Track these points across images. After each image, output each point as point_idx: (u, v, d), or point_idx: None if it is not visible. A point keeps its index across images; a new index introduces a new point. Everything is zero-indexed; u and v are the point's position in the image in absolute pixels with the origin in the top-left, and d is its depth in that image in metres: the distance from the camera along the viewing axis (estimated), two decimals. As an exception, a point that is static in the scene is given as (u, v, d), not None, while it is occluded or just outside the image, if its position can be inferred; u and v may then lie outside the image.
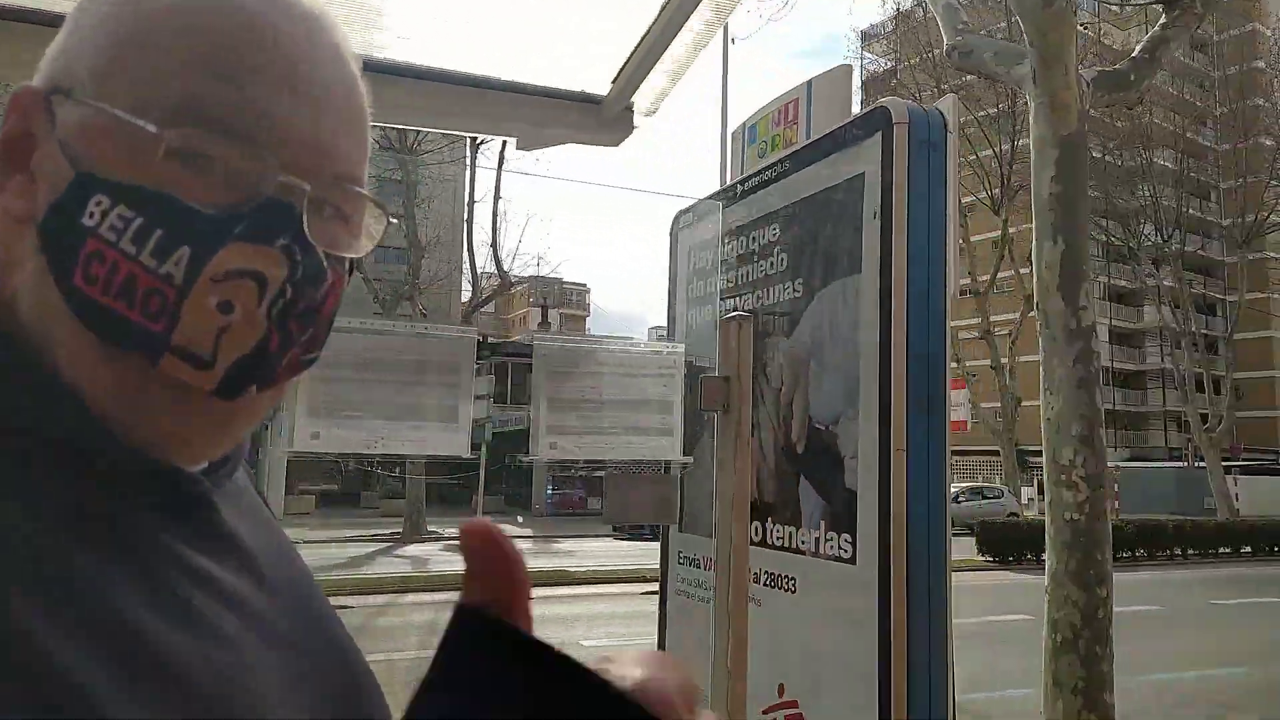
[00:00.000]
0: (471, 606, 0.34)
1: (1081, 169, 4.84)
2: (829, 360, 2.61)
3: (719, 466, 1.95)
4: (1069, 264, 4.68)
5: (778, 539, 2.70)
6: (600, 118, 1.87)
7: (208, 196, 0.52)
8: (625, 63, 1.70)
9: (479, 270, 24.47)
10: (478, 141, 25.26)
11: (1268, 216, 36.05)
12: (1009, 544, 16.70)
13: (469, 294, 26.24)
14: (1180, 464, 45.35)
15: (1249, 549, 19.22)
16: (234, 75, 0.52)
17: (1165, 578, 15.69)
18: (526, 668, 0.32)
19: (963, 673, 7.35)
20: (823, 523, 2.52)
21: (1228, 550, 18.91)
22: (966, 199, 33.33)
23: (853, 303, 2.49)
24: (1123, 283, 56.90)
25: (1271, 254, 42.03)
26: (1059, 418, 4.52)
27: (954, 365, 28.84)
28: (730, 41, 19.98)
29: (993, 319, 29.22)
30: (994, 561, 16.55)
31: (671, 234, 3.54)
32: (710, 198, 3.35)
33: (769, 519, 2.75)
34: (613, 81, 1.78)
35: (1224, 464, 40.90)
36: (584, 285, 71.99)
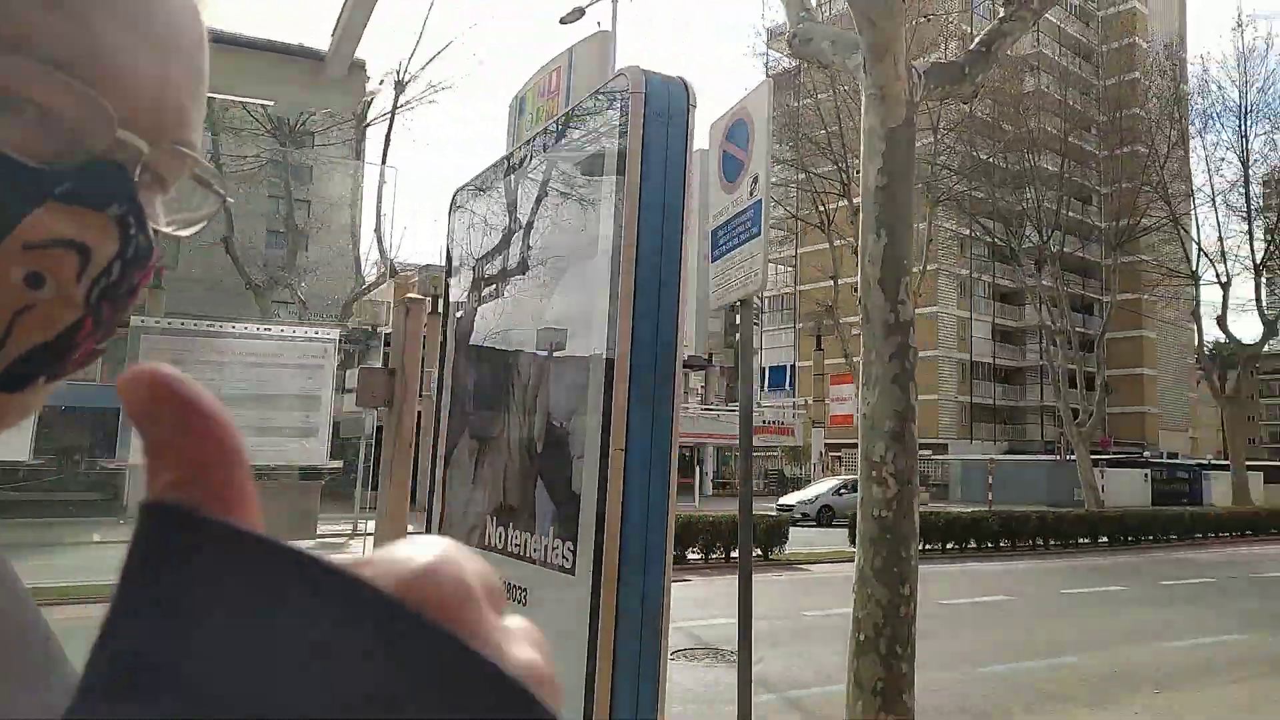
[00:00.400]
0: (159, 501, 0.22)
1: (908, 162, 4.79)
2: (568, 351, 2.42)
3: (381, 472, 1.71)
4: (891, 258, 4.63)
5: (516, 546, 2.49)
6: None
7: (23, 145, 0.41)
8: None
9: (363, 257, 23.70)
10: (363, 123, 24.47)
11: (1139, 221, 38.02)
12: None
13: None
14: (1053, 457, 47.57)
15: (1105, 539, 20.17)
16: (71, 3, 0.42)
17: (1025, 568, 16.29)
18: (242, 574, 0.21)
19: (807, 667, 7.32)
20: (551, 529, 2.32)
21: (1087, 540, 19.80)
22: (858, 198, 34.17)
23: (590, 290, 2.30)
24: (1007, 282, 59.25)
25: (1144, 257, 44.25)
26: (873, 413, 4.46)
27: (842, 360, 29.17)
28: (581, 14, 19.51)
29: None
30: (866, 551, 16.88)
31: (450, 211, 3.30)
32: (482, 175, 3.12)
33: (510, 525, 2.54)
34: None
35: (1093, 457, 43.08)
36: (486, 270, 70.83)
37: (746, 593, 4.00)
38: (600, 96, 2.33)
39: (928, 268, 39.81)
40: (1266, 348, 60.14)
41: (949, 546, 18.07)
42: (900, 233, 4.67)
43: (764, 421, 49.24)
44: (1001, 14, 5.57)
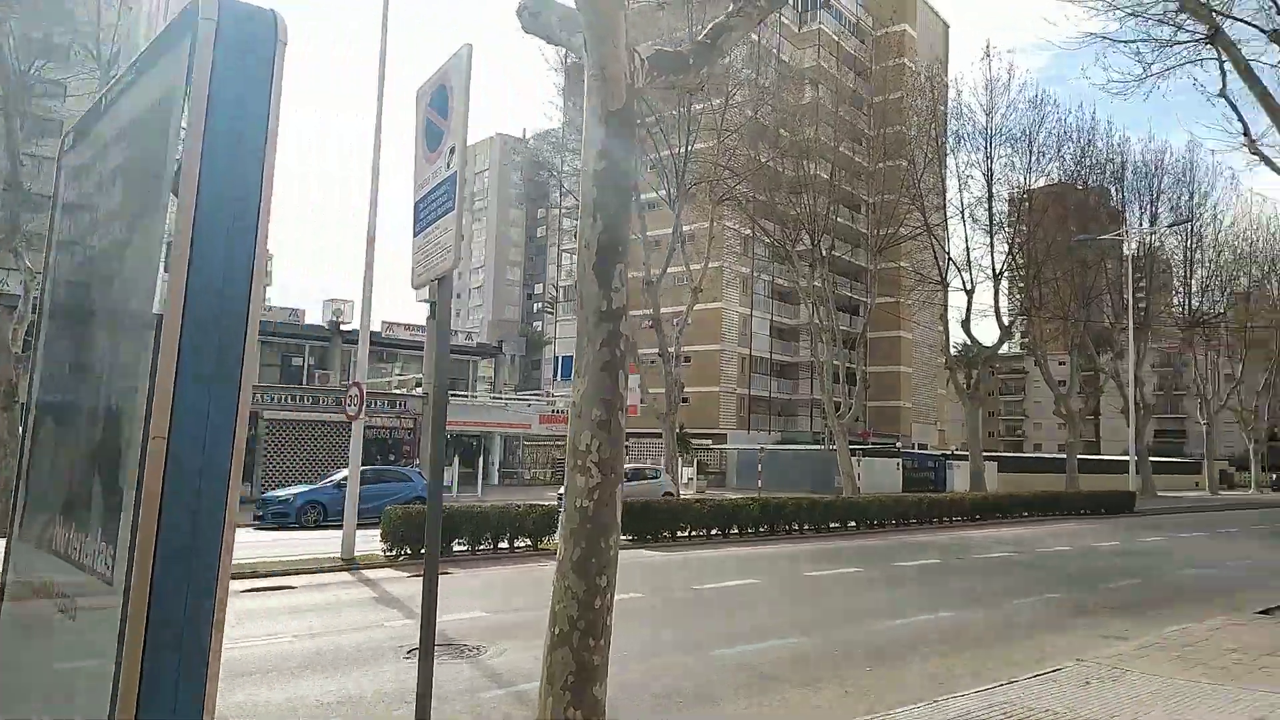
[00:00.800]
0: None
1: (627, 146, 4.71)
2: (123, 327, 2.06)
3: None
4: (607, 244, 4.52)
5: (73, 549, 2.10)
6: None
7: None
8: None
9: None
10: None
11: (898, 229, 41.15)
12: (645, 523, 17.42)
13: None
14: (820, 447, 50.83)
15: (854, 523, 21.66)
16: None
17: (779, 552, 17.13)
18: None
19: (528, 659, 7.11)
20: (100, 530, 1.97)
21: (838, 525, 21.18)
22: (648, 195, 34.77)
23: (150, 242, 1.95)
24: (785, 282, 62.65)
25: (902, 264, 47.85)
26: (583, 401, 4.35)
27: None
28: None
29: (662, 310, 30.74)
30: (632, 540, 17.15)
31: (58, 164, 2.81)
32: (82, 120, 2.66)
33: (73, 524, 2.15)
34: None
35: (854, 447, 46.26)
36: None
37: (431, 593, 3.75)
38: (174, 28, 1.99)
39: (712, 265, 41.51)
40: (1003, 350, 67.04)
41: (713, 533, 18.72)
42: (618, 218, 4.58)
43: (554, 410, 49.26)
44: (730, 8, 5.63)
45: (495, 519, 15.44)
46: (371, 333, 16.07)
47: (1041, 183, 44.96)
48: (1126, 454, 49.26)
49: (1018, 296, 44.44)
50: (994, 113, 42.65)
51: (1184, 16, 13.20)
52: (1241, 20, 14.31)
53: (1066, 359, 51.87)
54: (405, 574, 13.28)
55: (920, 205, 41.23)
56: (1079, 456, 49.49)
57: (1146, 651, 8.15)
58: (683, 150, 31.41)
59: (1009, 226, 43.52)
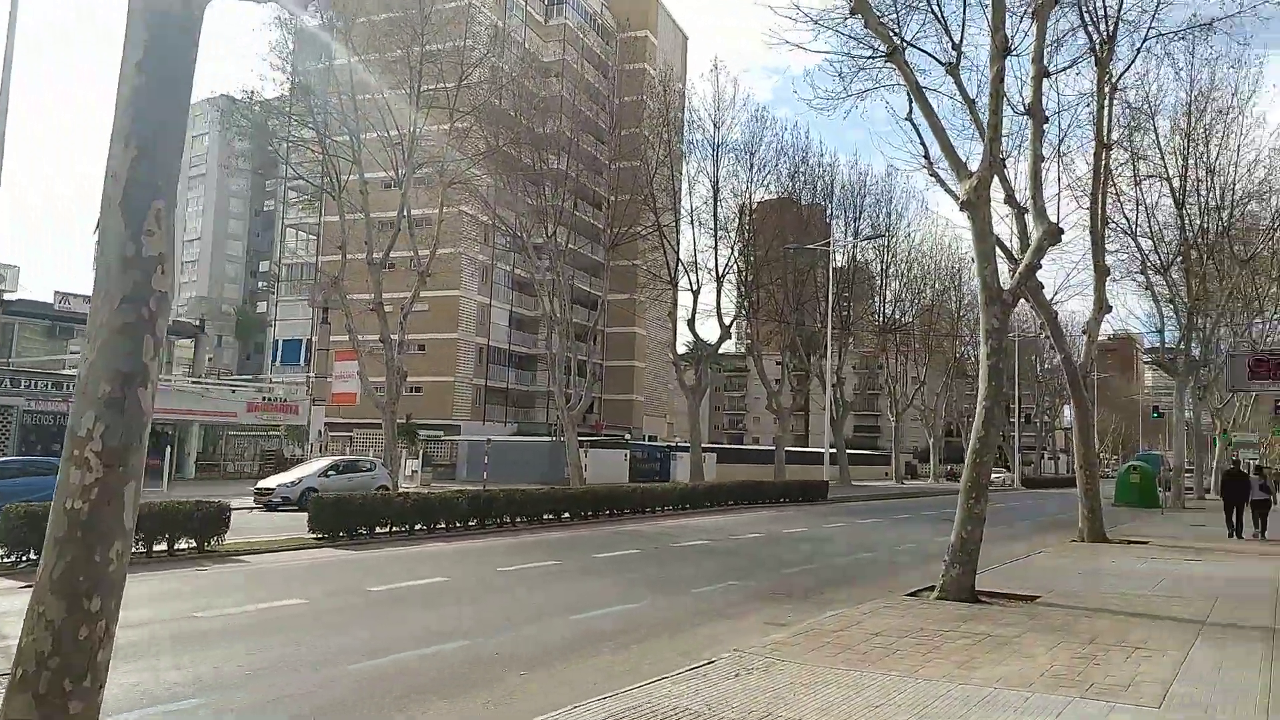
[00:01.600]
0: None
1: (181, 63, 3.80)
2: None
3: None
4: (142, 176, 3.59)
5: None
6: None
7: None
8: None
9: None
10: None
11: (632, 227, 42.00)
12: (339, 519, 16.15)
13: None
14: (550, 439, 50.94)
15: (568, 514, 21.54)
16: None
17: (485, 546, 16.50)
18: None
19: (158, 683, 5.90)
20: None
21: (551, 517, 20.94)
22: (376, 174, 32.84)
23: None
24: (523, 273, 62.24)
25: (636, 261, 48.92)
26: (90, 373, 3.40)
27: (344, 338, 27.30)
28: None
29: (386, 295, 29.09)
30: (324, 539, 15.81)
31: None
32: None
33: None
34: None
35: (584, 438, 46.69)
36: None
37: None
38: None
39: (447, 251, 40.15)
40: (729, 348, 70.59)
41: (418, 528, 17.73)
42: (158, 145, 3.66)
43: (265, 398, 45.49)
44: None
45: (178, 517, 13.54)
46: (42, 303, 13.49)
47: (762, 194, 47.98)
48: (827, 447, 53.64)
49: (739, 299, 46.89)
50: (721, 125, 44.70)
51: (871, 35, 14.04)
52: (921, 49, 15.54)
53: (781, 358, 55.89)
54: (22, 583, 11.18)
55: (653, 206, 42.42)
56: (788, 449, 53.37)
57: (800, 639, 8.33)
58: (411, 129, 29.92)
59: (732, 232, 45.82)
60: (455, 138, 31.56)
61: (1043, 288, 18.85)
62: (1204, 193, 32.91)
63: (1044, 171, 13.27)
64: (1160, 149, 32.63)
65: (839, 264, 55.18)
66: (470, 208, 41.37)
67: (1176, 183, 32.59)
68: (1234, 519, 21.76)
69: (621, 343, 73.93)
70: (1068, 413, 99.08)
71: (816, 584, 12.76)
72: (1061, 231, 12.38)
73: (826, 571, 14.16)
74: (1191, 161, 32.57)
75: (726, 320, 45.09)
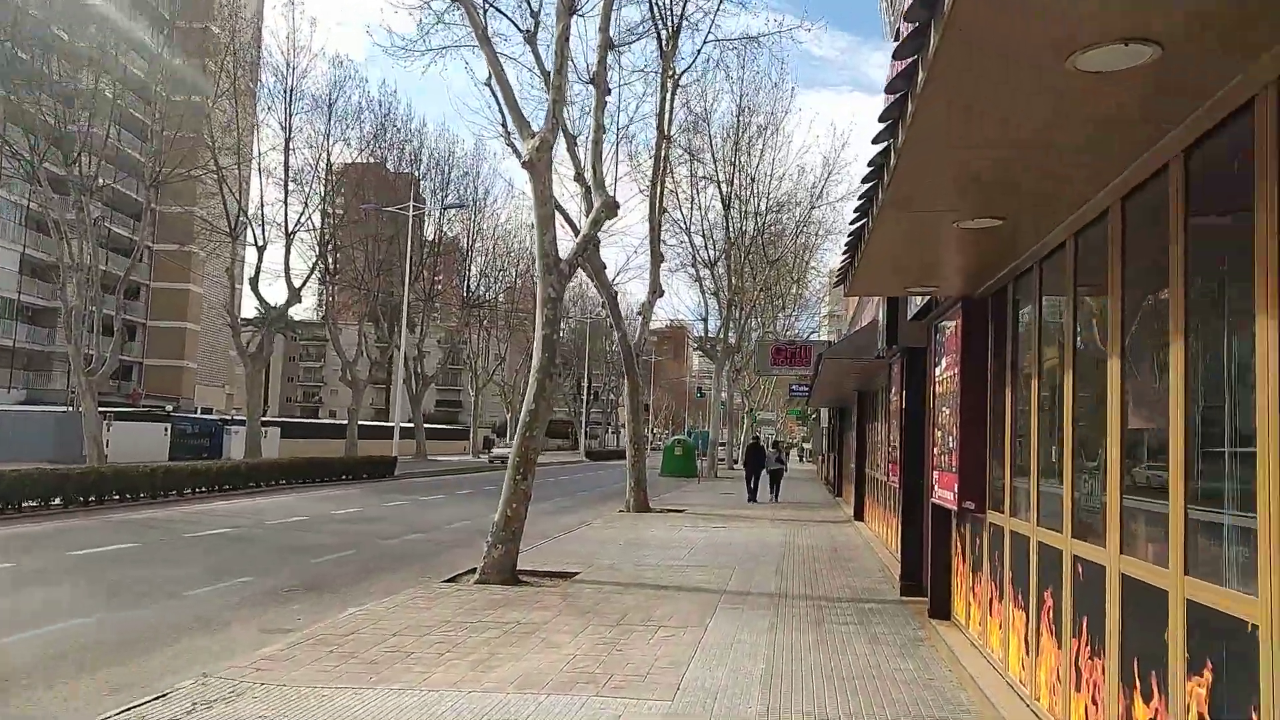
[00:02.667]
0: None
1: None
2: None
3: None
4: None
5: None
6: None
7: None
8: None
9: None
10: None
11: (183, 168, 36.40)
12: None
13: None
14: (68, 408, 42.93)
15: (61, 500, 17.59)
16: None
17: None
18: None
19: None
20: None
21: (36, 504, 16.91)
22: None
23: None
24: (42, 208, 51.65)
25: (195, 209, 42.99)
26: None
27: None
28: None
29: None
30: None
31: None
32: None
33: None
34: None
35: (116, 409, 39.93)
36: None
37: None
38: None
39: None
40: (307, 315, 65.13)
41: None
42: None
43: None
44: None
45: None
46: None
47: (344, 151, 44.73)
48: (409, 421, 52.05)
49: (314, 261, 43.35)
50: (296, 68, 40.84)
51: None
52: (501, 11, 14.73)
53: (366, 328, 53.03)
54: None
55: (212, 145, 37.36)
56: (367, 423, 50.78)
57: (298, 650, 6.93)
58: None
59: (307, 187, 42.10)
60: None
61: (605, 268, 19.31)
62: (746, 198, 36.95)
63: (605, 145, 13.23)
64: (713, 155, 36.01)
65: (427, 235, 53.79)
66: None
67: (726, 187, 36.21)
68: (752, 485, 25.12)
69: (172, 301, 64.99)
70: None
71: (351, 574, 11.38)
72: (618, 205, 12.34)
73: (367, 558, 12.82)
74: (738, 168, 36.35)
75: (297, 282, 41.33)
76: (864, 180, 4.67)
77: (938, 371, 7.57)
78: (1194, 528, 3.17)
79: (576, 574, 10.98)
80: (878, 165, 4.20)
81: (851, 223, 4.99)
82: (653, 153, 21.16)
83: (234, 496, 22.63)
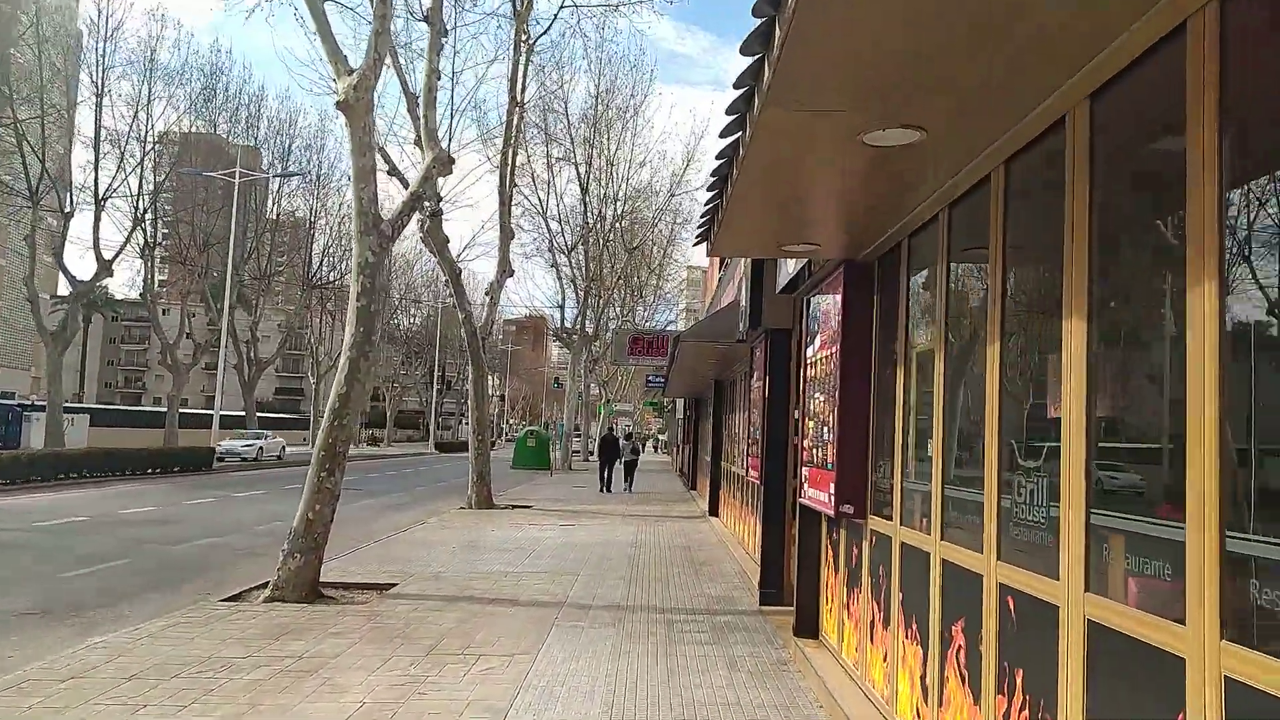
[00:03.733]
0: None
1: None
2: None
3: None
4: None
5: None
6: None
7: None
8: None
9: None
10: None
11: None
12: None
13: None
14: None
15: None
16: None
17: None
18: None
19: None
20: None
21: None
22: None
23: None
24: None
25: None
26: None
27: None
28: None
29: None
30: None
31: None
32: None
33: None
34: None
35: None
36: None
37: None
38: None
39: None
40: (126, 293, 59.29)
41: None
42: None
43: None
44: None
45: None
46: None
47: (167, 112, 40.56)
48: (240, 410, 48.14)
49: (131, 232, 39.18)
50: (110, 15, 36.74)
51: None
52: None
53: (193, 309, 48.69)
54: None
55: (9, 94, 32.98)
56: (194, 411, 46.52)
57: (-23, 708, 5.16)
58: None
59: (121, 147, 37.88)
60: None
61: (449, 241, 17.58)
62: (605, 182, 35.79)
63: (442, 94, 11.65)
64: (571, 136, 34.65)
65: (268, 213, 49.99)
66: None
67: (583, 169, 34.92)
68: (606, 476, 25.53)
69: (-36, 272, 57.97)
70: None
71: (113, 591, 9.39)
72: (452, 160, 10.78)
73: (140, 570, 10.78)
74: (596, 151, 35.14)
75: (110, 255, 37.16)
76: (737, 84, 3.45)
77: (810, 352, 6.52)
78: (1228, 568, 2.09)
79: (393, 586, 9.44)
80: (758, 51, 2.99)
81: (721, 135, 3.77)
82: (504, 120, 19.57)
83: (17, 492, 19.60)
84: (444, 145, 11.65)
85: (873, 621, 5.16)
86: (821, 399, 5.98)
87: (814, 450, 6.16)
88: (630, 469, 26.67)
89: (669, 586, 9.82)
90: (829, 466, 5.64)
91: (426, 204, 16.97)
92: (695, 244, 5.48)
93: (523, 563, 11.26)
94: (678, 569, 11.12)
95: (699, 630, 7.63)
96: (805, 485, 6.34)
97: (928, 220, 4.46)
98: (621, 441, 27.40)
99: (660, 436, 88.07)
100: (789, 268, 7.63)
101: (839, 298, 5.54)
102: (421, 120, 11.15)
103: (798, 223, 4.91)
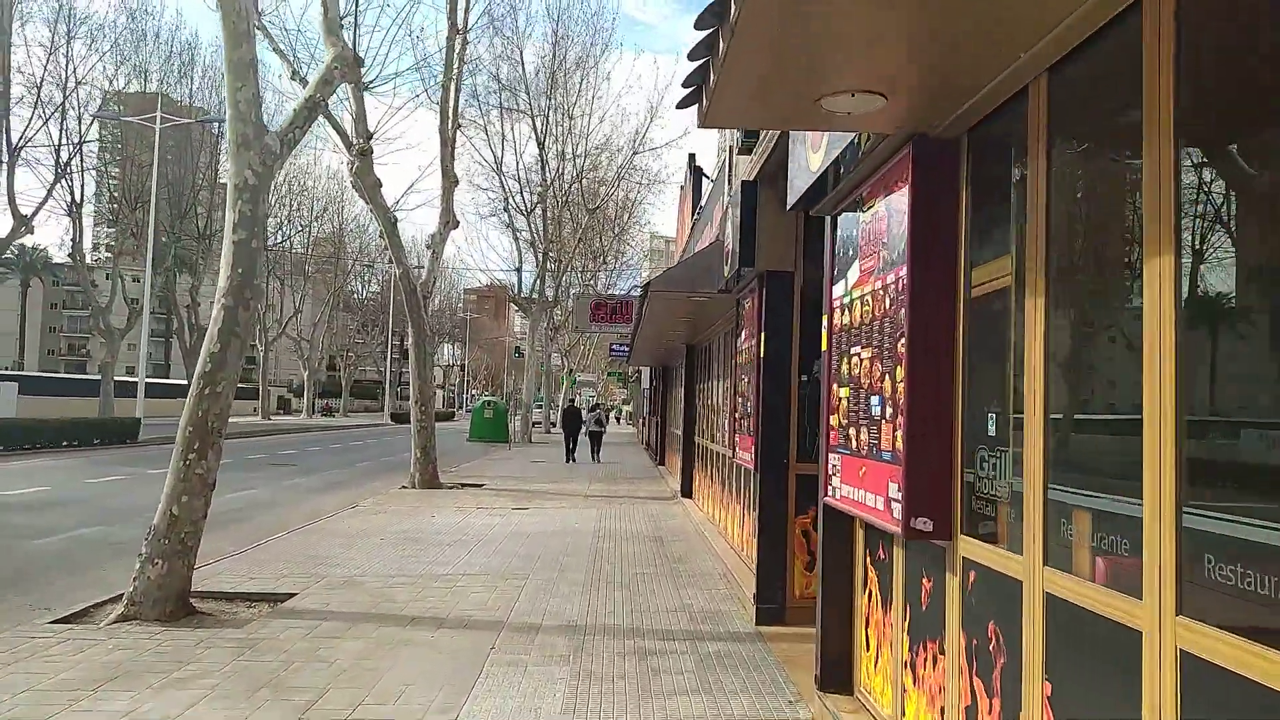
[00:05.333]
0: None
1: None
2: None
3: None
4: None
5: None
6: None
7: None
8: None
9: None
10: None
11: None
12: None
13: None
14: None
15: None
16: None
17: None
18: None
19: None
20: None
21: None
22: None
23: None
24: None
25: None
26: None
27: None
28: None
29: None
30: None
31: None
32: None
33: None
34: None
35: None
36: None
37: None
38: None
39: None
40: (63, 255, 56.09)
41: None
42: None
43: None
44: None
45: None
46: None
47: (97, 64, 37.51)
48: (183, 379, 45.27)
49: (50, 184, 36.14)
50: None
51: None
52: None
53: (132, 272, 45.77)
54: None
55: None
56: (131, 379, 43.59)
57: None
58: None
59: (36, 92, 34.75)
60: None
61: (381, 185, 15.31)
62: (563, 136, 33.50)
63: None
64: (527, 86, 32.29)
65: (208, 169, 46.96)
66: None
67: (540, 122, 32.62)
68: (571, 447, 25.71)
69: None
70: (446, 350, 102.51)
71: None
72: (361, 62, 8.71)
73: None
74: (554, 103, 32.82)
75: (25, 210, 34.16)
76: None
77: (840, 290, 4.59)
78: None
79: (292, 596, 7.45)
80: None
81: None
82: (443, 51, 17.26)
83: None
84: (350, 45, 9.52)
85: (959, 690, 3.30)
86: (868, 356, 4.06)
87: (852, 430, 4.25)
88: (596, 440, 26.61)
89: (639, 595, 7.94)
90: (884, 456, 3.74)
91: (355, 142, 14.72)
92: (680, 106, 3.50)
93: (461, 560, 9.32)
94: (650, 568, 9.23)
95: (681, 666, 5.75)
96: (838, 482, 4.43)
97: (1076, 47, 2.53)
98: (585, 413, 26.28)
99: (625, 408, 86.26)
100: (799, 183, 5.69)
101: (905, 194, 3.61)
102: (323, 9, 8.93)
103: (848, 48, 2.89)
